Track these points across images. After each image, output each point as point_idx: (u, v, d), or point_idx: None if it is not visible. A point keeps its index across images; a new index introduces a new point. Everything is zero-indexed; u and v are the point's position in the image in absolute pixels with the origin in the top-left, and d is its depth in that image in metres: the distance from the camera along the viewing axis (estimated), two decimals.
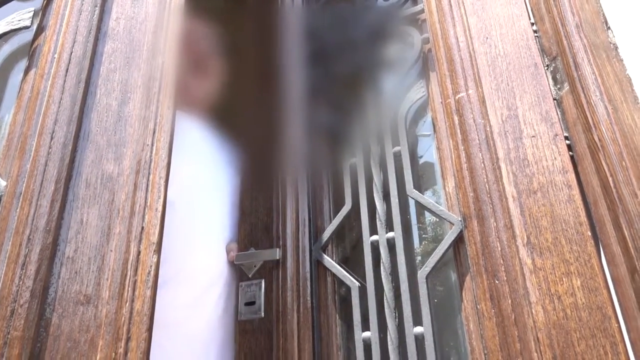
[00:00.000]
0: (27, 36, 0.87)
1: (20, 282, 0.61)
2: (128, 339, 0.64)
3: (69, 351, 0.62)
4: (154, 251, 0.69)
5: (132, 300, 0.66)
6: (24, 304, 0.60)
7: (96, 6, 0.83)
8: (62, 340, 0.63)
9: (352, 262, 1.10)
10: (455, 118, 0.99)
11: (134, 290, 0.66)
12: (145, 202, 0.72)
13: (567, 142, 0.89)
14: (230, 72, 1.36)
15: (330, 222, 1.11)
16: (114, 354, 0.63)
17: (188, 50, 1.22)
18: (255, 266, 1.10)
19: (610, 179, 0.80)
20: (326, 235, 1.09)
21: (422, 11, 1.18)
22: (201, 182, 1.13)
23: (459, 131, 0.98)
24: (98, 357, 0.63)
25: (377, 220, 1.05)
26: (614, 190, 0.79)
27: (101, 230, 0.69)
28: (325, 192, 1.16)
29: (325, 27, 1.31)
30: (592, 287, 0.78)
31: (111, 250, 0.68)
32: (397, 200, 1.04)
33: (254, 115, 1.28)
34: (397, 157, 1.09)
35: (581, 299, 0.77)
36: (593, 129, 0.84)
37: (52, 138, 0.70)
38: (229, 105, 1.34)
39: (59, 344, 0.62)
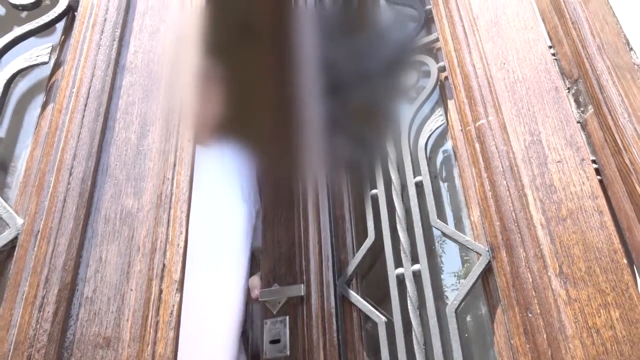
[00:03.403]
0: (45, 72, 0.87)
1: (38, 326, 0.58)
2: None
3: None
4: (177, 289, 0.66)
5: (155, 343, 0.62)
6: (41, 349, 0.57)
7: (114, 40, 0.83)
8: None
9: (378, 296, 1.06)
10: (477, 146, 0.97)
11: (156, 331, 0.63)
12: (167, 237, 0.70)
13: (595, 166, 0.86)
14: (247, 103, 1.36)
15: (354, 255, 1.09)
16: None
17: (205, 82, 1.21)
18: (279, 303, 1.06)
19: None
20: (350, 269, 1.06)
21: (437, 40, 1.18)
22: (220, 216, 1.11)
23: (481, 159, 0.95)
24: None
25: (402, 252, 1.02)
26: None
27: (121, 268, 0.66)
28: (347, 225, 1.13)
29: (341, 58, 1.30)
30: (632, 319, 0.74)
31: (131, 289, 0.65)
32: (421, 231, 1.01)
33: (272, 146, 1.26)
34: (419, 186, 1.06)
35: (621, 332, 0.73)
36: (623, 151, 0.81)
37: (70, 174, 0.68)
38: (246, 137, 1.33)
39: None
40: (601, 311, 0.75)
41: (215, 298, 1.12)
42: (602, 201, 0.82)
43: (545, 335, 0.77)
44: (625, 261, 0.77)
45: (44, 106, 0.80)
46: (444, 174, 1.13)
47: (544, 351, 0.77)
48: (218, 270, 1.14)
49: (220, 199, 1.23)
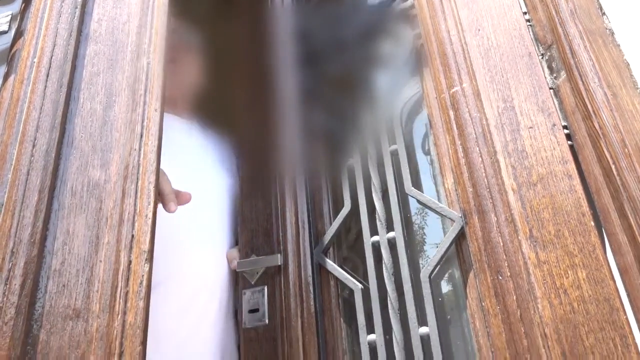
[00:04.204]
0: (5, 41, 0.84)
1: (4, 299, 0.58)
2: (121, 354, 0.61)
3: None
4: (146, 260, 0.66)
5: (124, 313, 0.63)
6: (8, 321, 0.57)
7: (76, 7, 0.80)
8: (51, 358, 0.59)
9: (354, 264, 1.08)
10: (451, 113, 0.97)
11: (125, 302, 0.63)
12: (135, 209, 0.69)
13: (566, 131, 0.87)
14: (223, 74, 1.34)
15: (331, 224, 1.09)
16: None
17: (178, 52, 1.19)
18: (257, 273, 1.07)
19: (613, 166, 0.78)
20: (327, 238, 1.07)
21: (413, 6, 1.17)
22: (197, 188, 1.10)
23: (455, 126, 0.96)
24: None
25: (377, 220, 1.03)
26: (617, 178, 0.77)
27: (89, 240, 0.66)
28: (324, 194, 1.14)
29: (317, 27, 1.29)
30: (598, 279, 0.76)
31: (100, 261, 0.65)
32: (396, 199, 1.02)
33: (249, 118, 1.26)
34: (395, 155, 1.07)
35: (587, 292, 0.75)
36: (593, 116, 0.82)
37: (34, 146, 0.67)
38: (223, 109, 1.32)
39: None
40: (569, 272, 0.77)
41: (199, 272, 1.12)
42: (571, 166, 0.83)
43: (515, 297, 0.79)
44: (592, 224, 0.78)
45: (6, 77, 0.78)
46: (419, 142, 1.13)
47: (514, 312, 0.79)
48: (202, 243, 1.14)
49: (200, 171, 1.22)
